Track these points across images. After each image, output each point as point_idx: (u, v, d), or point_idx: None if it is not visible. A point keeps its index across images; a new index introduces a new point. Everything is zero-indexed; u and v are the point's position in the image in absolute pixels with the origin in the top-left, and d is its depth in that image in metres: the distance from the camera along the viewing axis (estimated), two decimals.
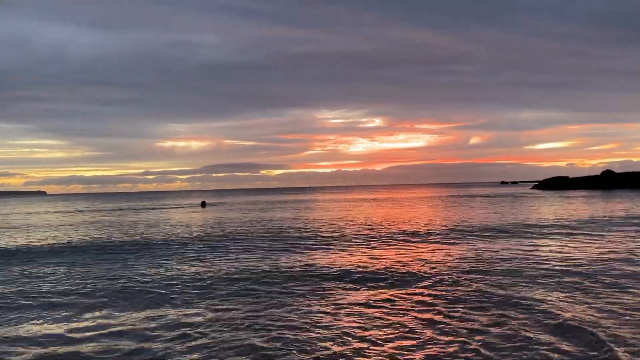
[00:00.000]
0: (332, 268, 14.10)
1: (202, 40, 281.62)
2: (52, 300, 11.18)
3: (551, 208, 39.56)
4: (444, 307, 9.58)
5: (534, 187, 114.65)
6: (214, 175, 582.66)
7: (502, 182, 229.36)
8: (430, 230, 23.96)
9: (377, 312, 9.46)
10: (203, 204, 70.78)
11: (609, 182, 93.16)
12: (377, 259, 15.72)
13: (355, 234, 23.01)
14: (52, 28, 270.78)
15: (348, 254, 16.88)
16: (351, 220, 32.06)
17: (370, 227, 26.79)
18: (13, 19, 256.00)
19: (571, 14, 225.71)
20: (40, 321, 9.50)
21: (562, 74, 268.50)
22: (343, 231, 24.83)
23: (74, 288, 12.39)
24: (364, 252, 17.21)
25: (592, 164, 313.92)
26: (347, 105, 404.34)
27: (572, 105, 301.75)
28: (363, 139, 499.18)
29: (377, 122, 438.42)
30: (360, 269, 13.81)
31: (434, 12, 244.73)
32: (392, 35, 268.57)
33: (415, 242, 19.81)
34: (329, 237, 22.26)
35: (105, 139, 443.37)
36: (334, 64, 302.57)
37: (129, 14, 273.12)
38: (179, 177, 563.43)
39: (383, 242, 20.11)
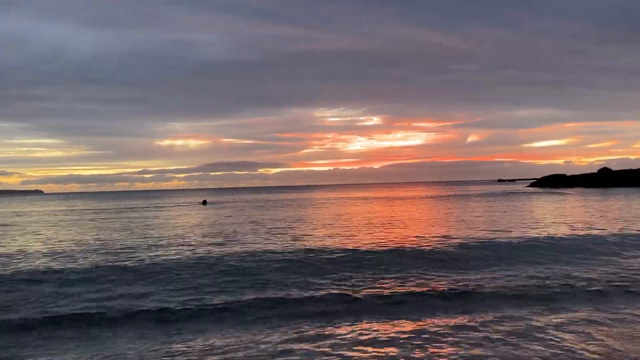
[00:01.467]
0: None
1: (200, 39, 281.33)
2: None
3: (550, 210, 40.13)
4: None
5: (531, 185, 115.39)
6: (211, 173, 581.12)
7: (500, 180, 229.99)
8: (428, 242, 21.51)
9: None
10: (204, 203, 71.46)
11: (606, 180, 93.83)
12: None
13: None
14: (50, 27, 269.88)
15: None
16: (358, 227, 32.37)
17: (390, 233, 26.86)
18: (12, 17, 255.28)
19: (569, 12, 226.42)
20: None
21: (559, 72, 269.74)
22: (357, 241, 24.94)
23: None
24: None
25: (589, 161, 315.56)
26: (345, 104, 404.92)
27: (570, 103, 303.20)
28: (361, 137, 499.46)
29: (375, 120, 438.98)
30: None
31: (433, 10, 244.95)
32: (390, 33, 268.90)
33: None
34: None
35: (103, 137, 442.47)
36: (333, 63, 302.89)
37: (127, 13, 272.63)
38: (177, 175, 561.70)
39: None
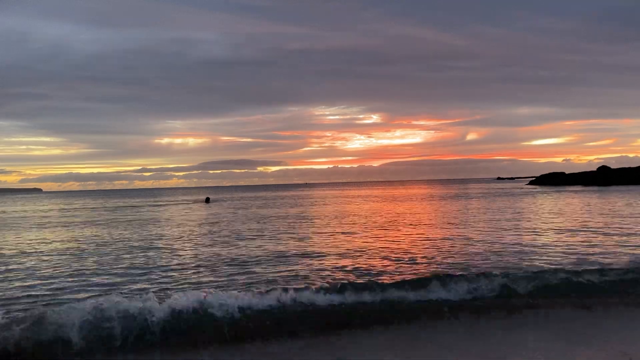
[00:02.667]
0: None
1: (199, 37, 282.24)
2: None
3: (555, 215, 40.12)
4: None
5: (531, 183, 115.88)
6: (210, 172, 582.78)
7: (499, 178, 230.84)
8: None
9: None
10: (207, 200, 71.92)
11: (605, 178, 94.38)
12: None
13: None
14: (50, 25, 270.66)
15: None
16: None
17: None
18: (12, 15, 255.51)
19: (568, 10, 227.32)
20: None
21: (558, 70, 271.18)
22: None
23: None
24: None
25: (588, 159, 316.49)
26: (344, 102, 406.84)
27: (568, 101, 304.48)
28: (360, 136, 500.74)
29: (375, 118, 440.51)
30: None
31: (432, 8, 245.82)
32: (390, 31, 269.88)
33: None
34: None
35: (101, 135, 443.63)
36: (332, 61, 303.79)
37: (126, 11, 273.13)
38: (176, 174, 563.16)
39: None
